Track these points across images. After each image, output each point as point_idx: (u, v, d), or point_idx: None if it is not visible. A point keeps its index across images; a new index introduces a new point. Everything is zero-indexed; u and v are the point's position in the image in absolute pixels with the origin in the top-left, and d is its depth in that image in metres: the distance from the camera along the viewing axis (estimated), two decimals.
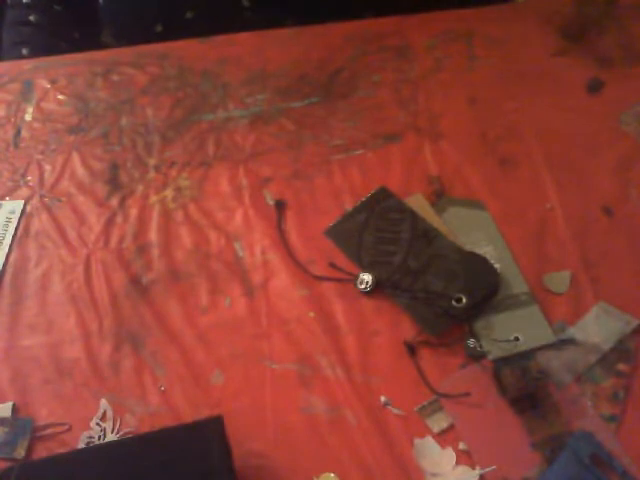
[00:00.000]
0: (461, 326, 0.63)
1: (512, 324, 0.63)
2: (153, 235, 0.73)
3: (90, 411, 0.61)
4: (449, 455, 0.57)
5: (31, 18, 1.04)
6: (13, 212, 0.76)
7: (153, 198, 0.76)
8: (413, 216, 0.71)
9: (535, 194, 0.73)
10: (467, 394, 0.59)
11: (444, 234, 0.69)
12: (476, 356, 0.61)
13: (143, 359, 0.64)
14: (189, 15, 0.98)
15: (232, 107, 0.84)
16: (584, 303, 0.64)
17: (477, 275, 0.65)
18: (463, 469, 0.56)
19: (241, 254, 0.71)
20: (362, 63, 0.87)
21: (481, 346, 0.62)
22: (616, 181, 0.73)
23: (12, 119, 0.85)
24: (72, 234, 0.74)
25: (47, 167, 0.80)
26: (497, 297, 0.65)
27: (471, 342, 0.62)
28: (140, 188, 0.77)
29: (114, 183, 0.78)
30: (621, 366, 0.60)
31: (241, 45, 0.90)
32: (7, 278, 0.71)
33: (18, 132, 0.84)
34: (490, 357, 0.61)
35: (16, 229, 0.74)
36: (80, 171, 0.79)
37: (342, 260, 0.69)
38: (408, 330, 0.64)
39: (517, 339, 0.62)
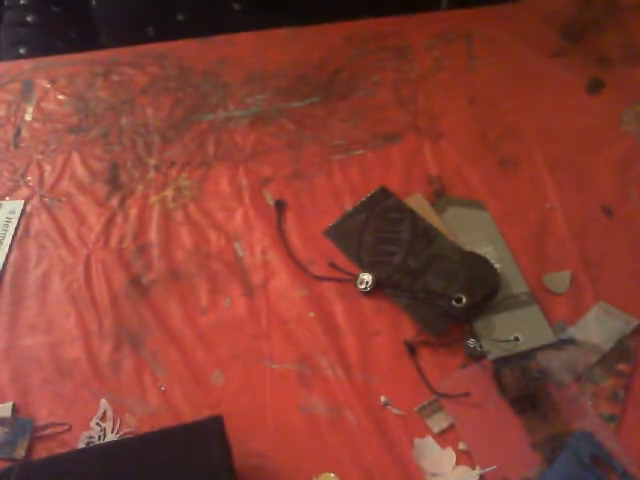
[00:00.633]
0: (461, 326, 0.63)
1: (512, 324, 0.63)
2: (153, 235, 0.73)
3: (90, 411, 0.61)
4: (449, 455, 0.57)
5: (28, 19, 1.04)
6: (13, 212, 0.76)
7: (153, 198, 0.76)
8: (413, 216, 0.71)
9: (535, 194, 0.73)
10: (467, 394, 0.59)
11: (444, 234, 0.69)
12: (476, 356, 0.61)
13: (143, 359, 0.64)
14: (180, 17, 0.97)
15: (232, 107, 0.84)
16: (584, 303, 0.64)
17: (477, 275, 0.65)
18: (463, 469, 0.56)
19: (241, 254, 0.71)
20: (362, 63, 0.87)
21: (481, 346, 0.62)
22: (616, 181, 0.73)
23: (12, 119, 0.85)
24: (72, 234, 0.74)
25: (47, 167, 0.80)
26: (497, 297, 0.65)
27: (471, 342, 0.62)
28: (140, 188, 0.77)
29: (114, 183, 0.78)
30: (621, 366, 0.60)
31: (241, 45, 0.90)
32: (7, 278, 0.71)
33: (18, 132, 0.84)
34: (490, 357, 0.61)
35: (16, 229, 0.74)
36: (80, 171, 0.79)
37: (342, 260, 0.69)
38: (408, 330, 0.64)
39: (517, 339, 0.62)
